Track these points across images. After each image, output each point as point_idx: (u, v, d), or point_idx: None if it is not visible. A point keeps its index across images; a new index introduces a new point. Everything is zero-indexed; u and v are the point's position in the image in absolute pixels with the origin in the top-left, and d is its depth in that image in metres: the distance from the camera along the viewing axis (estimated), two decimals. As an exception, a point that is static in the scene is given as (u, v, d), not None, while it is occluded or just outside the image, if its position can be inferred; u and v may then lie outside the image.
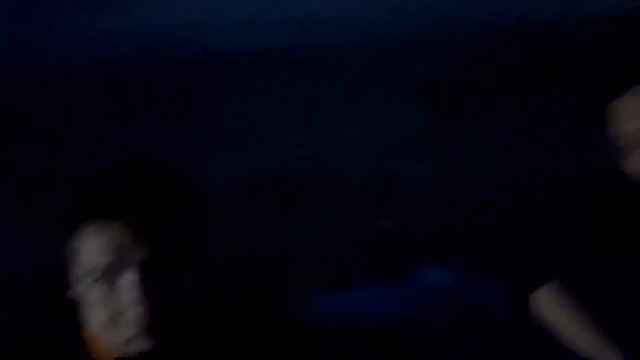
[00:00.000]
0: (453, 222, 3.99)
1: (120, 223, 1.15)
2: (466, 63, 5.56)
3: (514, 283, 2.89)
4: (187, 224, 1.20)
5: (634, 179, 1.70)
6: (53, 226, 1.21)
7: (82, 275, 1.18)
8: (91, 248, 1.16)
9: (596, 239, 1.86)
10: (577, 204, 1.96)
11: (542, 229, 2.09)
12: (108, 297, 1.16)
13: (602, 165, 1.86)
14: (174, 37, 5.54)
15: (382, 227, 2.68)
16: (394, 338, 2.78)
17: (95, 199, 1.17)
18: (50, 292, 1.30)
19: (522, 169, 4.50)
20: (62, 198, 1.20)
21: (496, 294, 2.94)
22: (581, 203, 1.95)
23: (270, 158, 4.59)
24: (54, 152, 4.61)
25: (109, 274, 1.16)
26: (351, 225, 4.07)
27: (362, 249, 3.76)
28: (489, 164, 4.59)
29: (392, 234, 3.77)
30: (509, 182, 4.34)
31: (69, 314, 1.21)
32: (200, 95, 5.13)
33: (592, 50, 5.11)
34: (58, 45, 5.34)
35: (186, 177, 1.23)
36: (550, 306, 1.88)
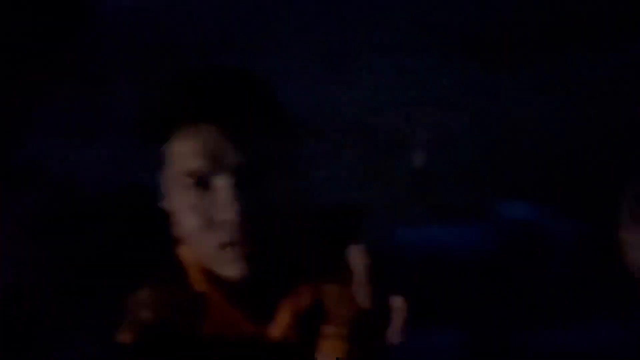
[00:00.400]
0: (522, 162, 3.95)
1: (214, 127, 1.14)
2: (510, 17, 5.39)
3: (596, 222, 2.88)
4: (277, 132, 1.20)
5: None
6: (146, 132, 1.20)
7: (175, 180, 1.17)
8: (184, 152, 1.15)
9: None
10: None
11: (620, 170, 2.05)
12: (201, 202, 1.15)
13: None
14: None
15: (416, 162, 2.67)
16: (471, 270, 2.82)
17: (188, 102, 1.16)
18: (143, 202, 1.31)
19: (567, 121, 4.39)
20: (155, 102, 1.19)
21: (577, 231, 2.93)
22: None
23: (303, 106, 4.56)
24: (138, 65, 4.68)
25: (202, 179, 1.15)
26: (388, 172, 4.05)
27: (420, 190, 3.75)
28: (531, 118, 4.50)
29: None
30: (551, 136, 4.25)
31: (162, 225, 1.21)
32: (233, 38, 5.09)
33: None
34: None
35: (274, 92, 1.22)
36: (634, 243, 1.85)
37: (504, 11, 5.43)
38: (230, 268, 1.16)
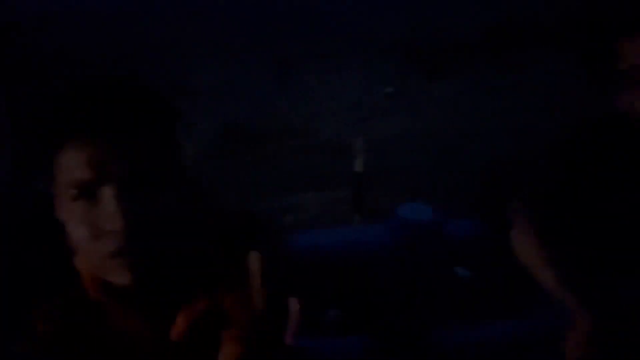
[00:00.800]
0: (431, 169, 4.07)
1: (99, 138, 1.15)
2: (447, 22, 5.53)
3: (490, 221, 2.99)
4: (166, 142, 1.21)
5: (633, 117, 1.72)
6: (32, 145, 1.21)
7: (63, 190, 1.18)
8: (71, 163, 1.16)
9: (571, 178, 1.89)
10: (554, 148, 1.98)
11: (517, 172, 2.13)
12: (88, 213, 1.16)
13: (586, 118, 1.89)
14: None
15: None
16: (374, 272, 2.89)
17: (73, 113, 1.16)
18: (37, 214, 1.31)
19: (500, 127, 4.54)
20: (42, 115, 1.20)
21: (473, 230, 3.04)
22: (561, 146, 1.97)
23: (246, 113, 4.60)
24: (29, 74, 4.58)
25: (88, 189, 1.16)
26: (328, 177, 4.12)
27: (340, 196, 3.82)
28: (467, 122, 4.64)
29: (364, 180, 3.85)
30: (484, 140, 4.40)
31: (58, 235, 1.22)
32: (175, 48, 5.07)
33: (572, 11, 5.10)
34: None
35: (167, 101, 1.23)
36: (526, 242, 1.91)
37: (443, 20, 5.55)
38: (120, 276, 1.18)
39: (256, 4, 5.38)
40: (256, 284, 1.22)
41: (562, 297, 1.80)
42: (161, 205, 1.18)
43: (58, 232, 1.22)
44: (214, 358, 1.24)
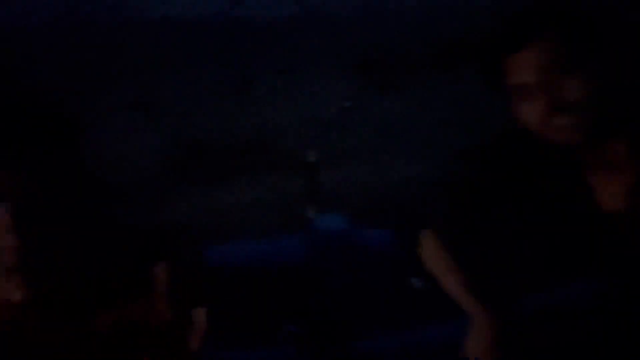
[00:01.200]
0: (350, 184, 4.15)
1: None
2: (399, 39, 5.62)
3: (401, 230, 3.07)
4: (66, 159, 1.24)
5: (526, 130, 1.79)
6: None
7: None
8: None
9: (484, 187, 1.95)
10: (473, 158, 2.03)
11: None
12: None
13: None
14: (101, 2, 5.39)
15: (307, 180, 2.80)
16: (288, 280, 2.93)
17: None
18: None
19: (447, 142, 4.63)
20: None
21: (385, 239, 3.12)
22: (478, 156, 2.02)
23: (205, 128, 4.60)
24: None
25: None
26: (275, 192, 4.15)
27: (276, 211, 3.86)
28: (416, 137, 4.73)
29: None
30: (431, 153, 4.49)
31: None
32: (131, 62, 5.05)
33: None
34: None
35: (69, 122, 1.25)
36: (431, 249, 1.96)
37: (395, 33, 5.62)
38: (13, 293, 1.21)
39: (216, 19, 5.38)
40: (162, 294, 1.27)
41: (464, 303, 1.87)
42: (59, 222, 1.21)
43: None
44: None
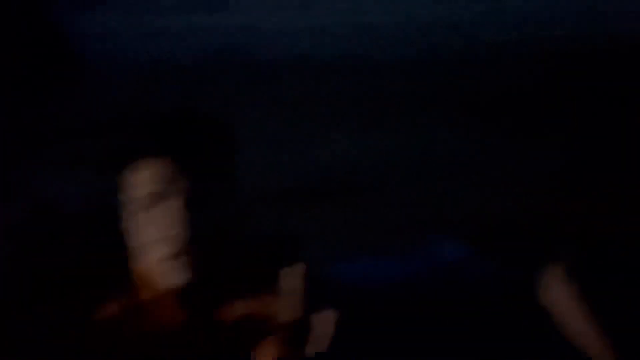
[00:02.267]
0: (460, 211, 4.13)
1: (167, 158, 1.40)
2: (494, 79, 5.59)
3: (515, 264, 3.03)
4: (221, 164, 1.46)
5: None
6: (109, 163, 1.48)
7: (134, 202, 1.42)
8: (142, 179, 1.41)
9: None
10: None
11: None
12: (154, 220, 1.41)
13: None
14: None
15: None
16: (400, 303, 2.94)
17: (146, 139, 1.43)
18: (103, 224, 1.55)
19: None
20: (118, 138, 1.50)
21: (498, 272, 3.08)
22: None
23: (307, 168, 4.71)
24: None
25: (156, 201, 1.41)
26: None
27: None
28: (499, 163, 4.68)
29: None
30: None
31: (121, 243, 1.46)
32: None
33: None
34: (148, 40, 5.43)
35: (221, 128, 1.49)
36: (557, 291, 1.90)
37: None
38: (175, 277, 1.40)
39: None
40: (295, 293, 1.39)
41: (595, 351, 1.74)
42: (217, 216, 1.43)
43: (120, 240, 1.47)
44: (250, 356, 1.43)
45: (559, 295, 1.80)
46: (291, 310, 1.38)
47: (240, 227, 1.51)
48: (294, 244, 1.58)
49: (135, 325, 1.43)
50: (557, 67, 5.02)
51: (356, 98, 5.46)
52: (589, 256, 1.85)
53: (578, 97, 4.73)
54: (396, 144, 4.98)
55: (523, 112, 5.04)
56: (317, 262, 1.53)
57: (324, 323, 1.39)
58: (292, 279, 1.39)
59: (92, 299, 1.46)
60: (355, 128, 5.20)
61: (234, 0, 5.26)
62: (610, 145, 4.19)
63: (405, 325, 2.96)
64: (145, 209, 1.41)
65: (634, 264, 1.80)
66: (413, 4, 5.41)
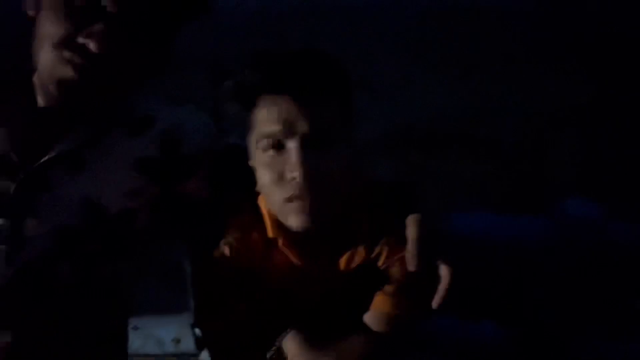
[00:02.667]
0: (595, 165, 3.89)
1: (289, 98, 1.35)
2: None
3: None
4: (342, 109, 1.40)
5: None
6: (232, 100, 1.42)
7: (257, 142, 1.40)
8: (264, 119, 1.38)
9: None
10: None
11: None
12: (275, 161, 1.38)
13: None
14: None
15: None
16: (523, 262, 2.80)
17: (267, 78, 1.37)
18: (238, 159, 1.52)
19: None
20: (242, 75, 1.40)
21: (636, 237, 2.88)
22: None
23: (419, 114, 4.59)
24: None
25: (278, 141, 1.37)
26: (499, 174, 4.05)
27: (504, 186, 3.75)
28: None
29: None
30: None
31: (250, 179, 1.44)
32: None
33: None
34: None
35: (345, 72, 1.41)
36: None
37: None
38: (295, 219, 1.36)
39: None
40: (414, 246, 1.31)
41: None
42: (335, 161, 1.36)
43: (249, 177, 1.45)
44: (366, 306, 1.38)
45: None
46: (411, 262, 1.31)
47: (358, 173, 1.42)
48: (413, 191, 1.48)
49: (259, 263, 1.42)
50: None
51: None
52: None
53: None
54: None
55: None
56: (436, 212, 1.44)
57: (442, 278, 1.30)
58: (413, 228, 1.30)
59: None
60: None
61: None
62: None
63: (526, 283, 2.82)
64: (265, 151, 1.38)
65: None
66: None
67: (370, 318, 1.35)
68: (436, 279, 1.30)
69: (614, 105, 4.35)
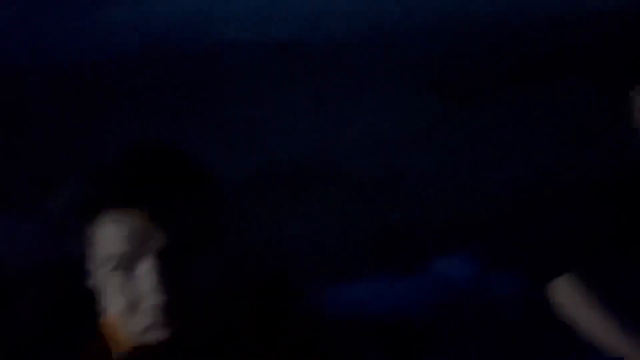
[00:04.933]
0: (465, 215, 3.95)
1: (137, 211, 1.16)
2: (475, 56, 5.56)
3: (530, 274, 2.84)
4: (203, 212, 1.20)
5: None
6: (70, 216, 1.20)
7: (100, 263, 1.18)
8: (108, 236, 1.18)
9: (614, 232, 1.83)
10: (593, 196, 1.93)
11: (555, 222, 2.06)
12: (125, 286, 1.17)
13: (614, 158, 1.84)
14: (184, 29, 5.55)
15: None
16: (403, 330, 2.74)
17: (111, 188, 1.17)
18: (67, 283, 1.31)
19: (531, 163, 4.47)
20: (78, 188, 1.20)
21: (511, 286, 2.88)
22: (598, 195, 1.92)
23: (281, 150, 4.59)
24: (67, 145, 4.63)
25: (127, 262, 1.17)
26: (361, 218, 4.04)
27: (372, 241, 3.72)
28: (498, 158, 4.57)
29: (402, 227, 3.74)
30: (518, 176, 4.31)
31: (87, 304, 1.21)
32: (211, 87, 5.15)
33: (600, 43, 5.11)
34: (66, 39, 5.36)
35: (200, 165, 1.22)
36: (569, 297, 1.85)
37: (466, 51, 5.57)
38: (148, 336, 1.16)
39: (285, 41, 5.47)
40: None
41: (615, 347, 1.75)
42: (197, 276, 1.18)
43: (86, 299, 1.21)
44: None
45: (571, 300, 1.79)
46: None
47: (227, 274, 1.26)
48: (285, 283, 1.37)
49: None
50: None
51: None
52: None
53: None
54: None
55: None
56: (309, 286, 1.33)
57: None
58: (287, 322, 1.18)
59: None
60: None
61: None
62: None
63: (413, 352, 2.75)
64: (112, 273, 1.18)
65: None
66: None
67: None
68: None
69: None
